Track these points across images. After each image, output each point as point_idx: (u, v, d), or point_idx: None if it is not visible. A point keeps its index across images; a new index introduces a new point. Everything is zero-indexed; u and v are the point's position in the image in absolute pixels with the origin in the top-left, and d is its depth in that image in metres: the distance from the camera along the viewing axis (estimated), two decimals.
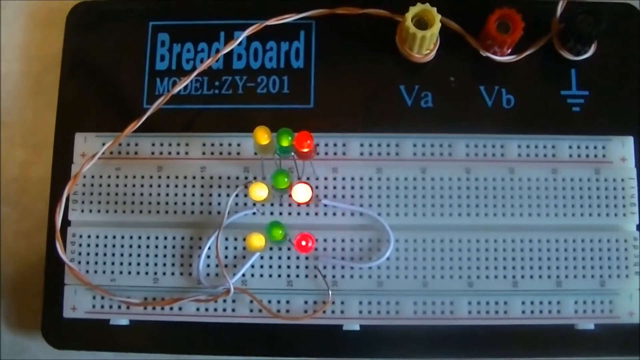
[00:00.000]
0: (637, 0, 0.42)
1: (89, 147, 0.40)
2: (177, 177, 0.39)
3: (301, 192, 0.36)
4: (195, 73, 0.40)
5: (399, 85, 0.41)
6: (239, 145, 0.40)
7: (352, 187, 0.39)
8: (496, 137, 0.40)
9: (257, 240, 0.36)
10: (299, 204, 0.38)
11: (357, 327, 0.38)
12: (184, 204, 0.39)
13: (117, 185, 0.39)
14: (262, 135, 0.35)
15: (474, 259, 0.38)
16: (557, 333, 0.39)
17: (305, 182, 0.37)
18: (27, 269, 0.42)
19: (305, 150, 0.35)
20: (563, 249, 0.39)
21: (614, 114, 0.41)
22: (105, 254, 0.39)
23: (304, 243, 0.36)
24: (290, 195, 0.37)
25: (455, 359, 0.40)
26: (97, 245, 0.39)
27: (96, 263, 0.39)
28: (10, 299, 0.42)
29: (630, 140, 0.40)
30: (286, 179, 0.36)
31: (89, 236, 0.39)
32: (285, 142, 0.35)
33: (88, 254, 0.39)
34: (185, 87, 0.41)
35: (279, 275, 0.39)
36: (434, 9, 0.38)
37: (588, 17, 0.39)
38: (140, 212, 0.39)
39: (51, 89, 0.42)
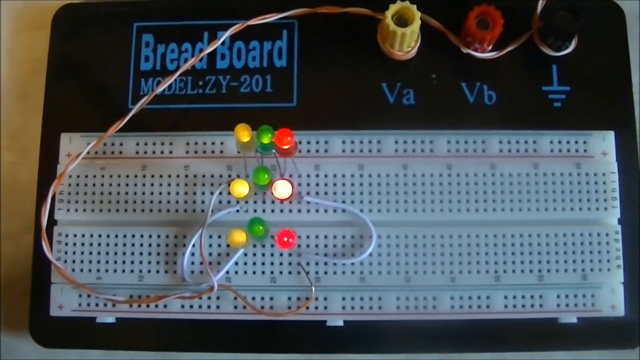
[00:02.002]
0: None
1: (74, 147, 0.40)
2: (161, 176, 0.40)
3: (281, 189, 0.37)
4: (178, 73, 0.40)
5: (381, 82, 0.41)
6: (222, 143, 0.40)
7: (335, 184, 0.39)
8: (477, 133, 0.40)
9: (239, 236, 0.36)
10: (281, 201, 0.39)
11: (341, 323, 0.39)
12: (168, 202, 0.40)
13: (102, 185, 0.40)
14: (243, 133, 0.36)
15: (456, 254, 0.39)
16: (539, 327, 0.39)
17: (285, 179, 0.37)
18: (15, 269, 0.42)
19: (286, 147, 0.36)
20: (545, 244, 0.39)
21: (595, 109, 0.41)
22: (91, 253, 0.39)
23: (285, 239, 0.36)
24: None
25: (438, 353, 0.40)
26: (82, 244, 0.39)
27: (82, 262, 0.39)
28: None
29: (611, 135, 0.40)
30: (266, 176, 0.36)
31: (75, 235, 0.40)
32: (265, 139, 0.35)
33: (74, 252, 0.39)
34: (170, 87, 0.41)
35: (263, 272, 0.39)
36: (414, 7, 0.39)
37: (567, 14, 0.39)
38: (125, 210, 0.40)
39: (37, 91, 0.42)
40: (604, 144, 0.40)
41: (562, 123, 0.40)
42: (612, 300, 0.39)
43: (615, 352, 0.40)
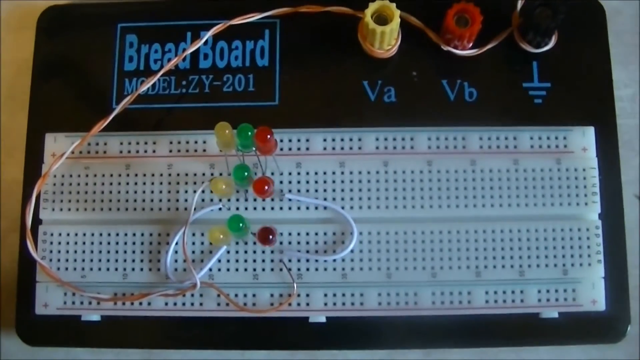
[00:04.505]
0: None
1: (59, 147, 0.41)
2: (144, 175, 0.40)
3: (260, 187, 0.37)
4: (161, 73, 0.41)
5: (362, 80, 0.41)
6: (204, 142, 0.40)
7: (316, 182, 0.40)
8: (458, 129, 0.40)
9: (219, 234, 0.37)
10: (262, 199, 0.39)
11: (323, 319, 0.39)
12: (152, 201, 0.40)
13: (86, 184, 0.40)
14: (223, 131, 0.36)
15: (437, 250, 0.39)
16: (521, 322, 0.39)
17: (266, 177, 0.38)
18: (1, 268, 0.43)
19: (266, 144, 0.36)
20: (525, 239, 0.39)
21: (575, 105, 0.41)
22: (75, 251, 0.40)
23: (264, 237, 0.37)
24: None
25: (420, 349, 0.40)
26: (67, 243, 0.40)
27: (67, 260, 0.40)
28: None
29: (591, 130, 0.40)
30: (245, 173, 0.36)
31: (60, 234, 0.40)
32: (244, 138, 0.36)
33: (59, 251, 0.40)
34: (153, 87, 0.42)
35: (245, 269, 0.39)
36: (393, 5, 0.39)
37: (546, 10, 0.39)
38: (110, 209, 0.40)
39: (23, 92, 0.43)
40: (584, 140, 0.40)
41: (543, 119, 0.41)
42: (592, 295, 0.39)
43: (596, 346, 0.40)
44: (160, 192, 0.40)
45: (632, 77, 0.43)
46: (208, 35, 0.41)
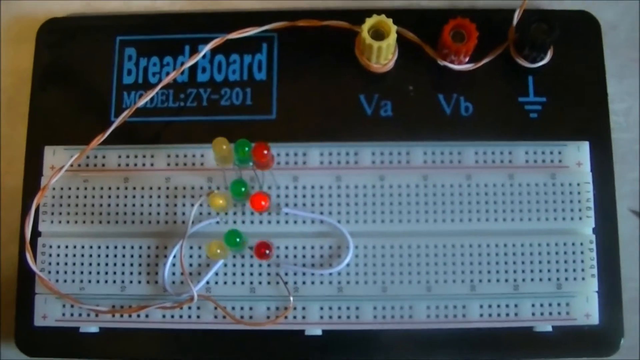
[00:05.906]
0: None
1: (58, 159, 0.41)
2: (142, 188, 0.40)
3: (258, 202, 0.37)
4: (160, 86, 0.41)
5: (358, 95, 0.42)
6: (202, 156, 0.41)
7: (312, 196, 0.40)
8: (454, 144, 0.40)
9: (217, 248, 0.37)
10: (259, 213, 0.39)
11: (319, 332, 0.39)
12: (150, 214, 0.40)
13: (85, 197, 0.41)
14: (221, 147, 0.36)
15: (432, 264, 0.39)
16: (515, 336, 0.39)
17: (262, 191, 0.38)
18: (1, 280, 0.43)
19: (263, 160, 0.36)
20: (520, 253, 0.39)
21: (570, 120, 0.41)
22: (74, 264, 0.40)
23: (262, 251, 0.37)
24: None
25: None
26: (66, 255, 0.40)
27: (66, 272, 0.40)
28: None
29: (585, 145, 0.40)
30: (243, 188, 0.37)
31: (59, 246, 0.40)
32: (242, 153, 0.36)
33: (58, 263, 0.40)
34: (152, 100, 0.42)
35: (242, 283, 0.40)
36: (390, 20, 0.39)
37: (541, 25, 0.40)
38: (108, 222, 0.40)
39: (23, 103, 0.43)
40: (578, 154, 0.40)
41: (538, 134, 0.41)
42: (586, 309, 0.39)
43: None
44: (158, 205, 0.40)
45: (627, 91, 0.44)
46: (206, 49, 0.41)
